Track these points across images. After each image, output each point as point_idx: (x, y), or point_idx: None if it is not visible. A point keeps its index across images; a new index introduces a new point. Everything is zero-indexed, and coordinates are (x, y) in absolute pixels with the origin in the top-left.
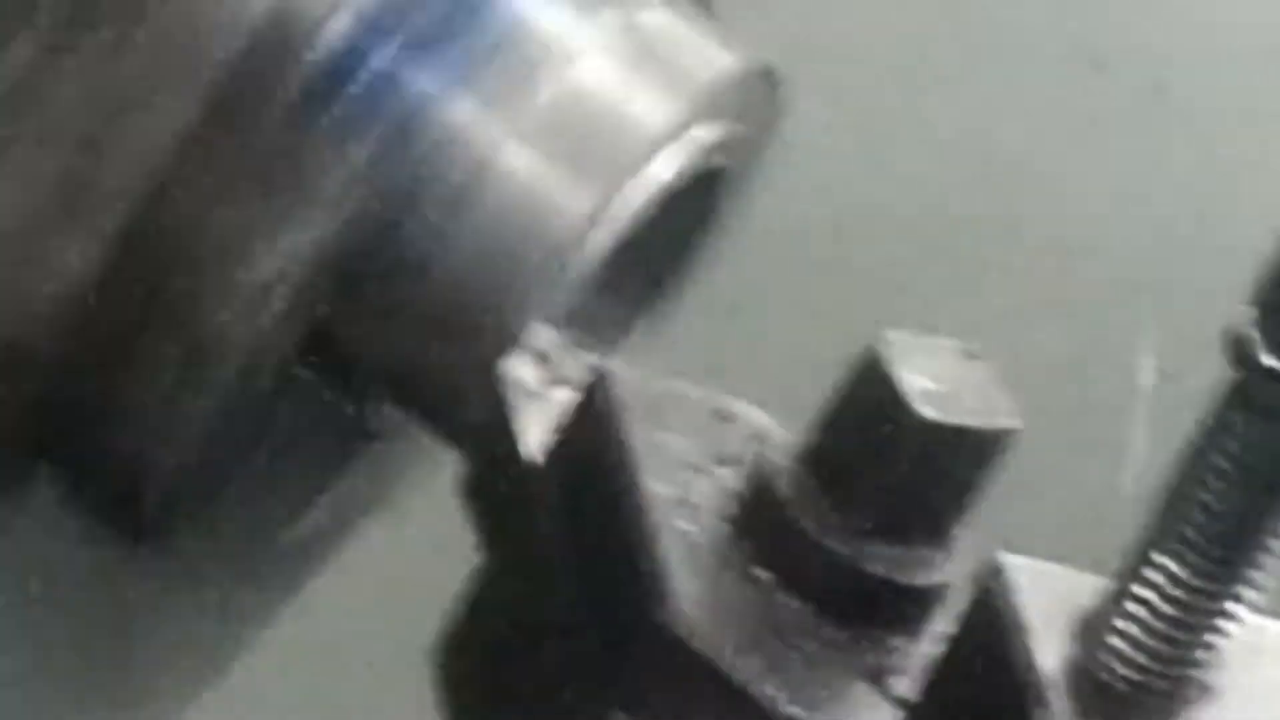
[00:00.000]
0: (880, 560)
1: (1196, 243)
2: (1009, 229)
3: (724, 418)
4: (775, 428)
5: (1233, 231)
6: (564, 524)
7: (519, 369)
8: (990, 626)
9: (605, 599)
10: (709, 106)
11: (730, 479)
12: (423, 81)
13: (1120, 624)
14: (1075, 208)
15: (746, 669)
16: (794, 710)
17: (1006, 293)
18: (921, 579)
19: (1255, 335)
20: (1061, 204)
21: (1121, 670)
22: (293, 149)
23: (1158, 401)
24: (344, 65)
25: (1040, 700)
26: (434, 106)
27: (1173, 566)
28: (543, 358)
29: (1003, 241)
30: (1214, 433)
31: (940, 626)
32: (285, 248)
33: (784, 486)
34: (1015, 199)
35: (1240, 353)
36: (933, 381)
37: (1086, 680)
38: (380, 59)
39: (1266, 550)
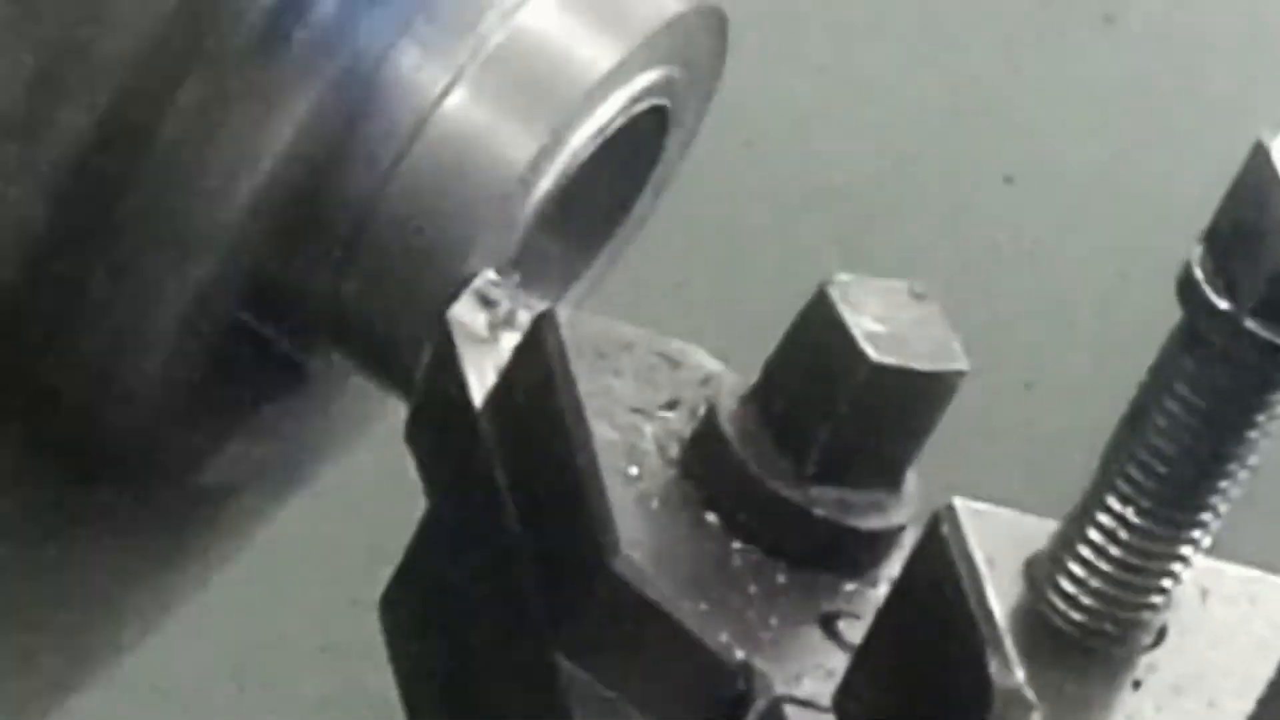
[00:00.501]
0: (829, 504)
1: (1148, 176)
2: (960, 166)
3: (671, 361)
4: (722, 370)
5: (1183, 165)
6: (510, 469)
7: (465, 313)
8: (940, 568)
9: (551, 544)
10: (653, 49)
11: (677, 423)
12: (368, 26)
13: (1070, 567)
14: (1026, 142)
15: (694, 615)
16: (744, 656)
17: (960, 231)
18: (871, 523)
19: (1204, 275)
20: (1014, 138)
21: (1071, 613)
22: (237, 94)
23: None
24: (290, 10)
25: (989, 643)
26: (379, 51)
27: (1123, 510)
28: (488, 302)
29: (955, 179)
30: (1163, 374)
31: (893, 571)
32: (229, 193)
33: (732, 430)
34: (966, 134)
35: (1189, 293)
36: (881, 323)
37: (1036, 623)
38: (326, 4)
39: (1216, 493)
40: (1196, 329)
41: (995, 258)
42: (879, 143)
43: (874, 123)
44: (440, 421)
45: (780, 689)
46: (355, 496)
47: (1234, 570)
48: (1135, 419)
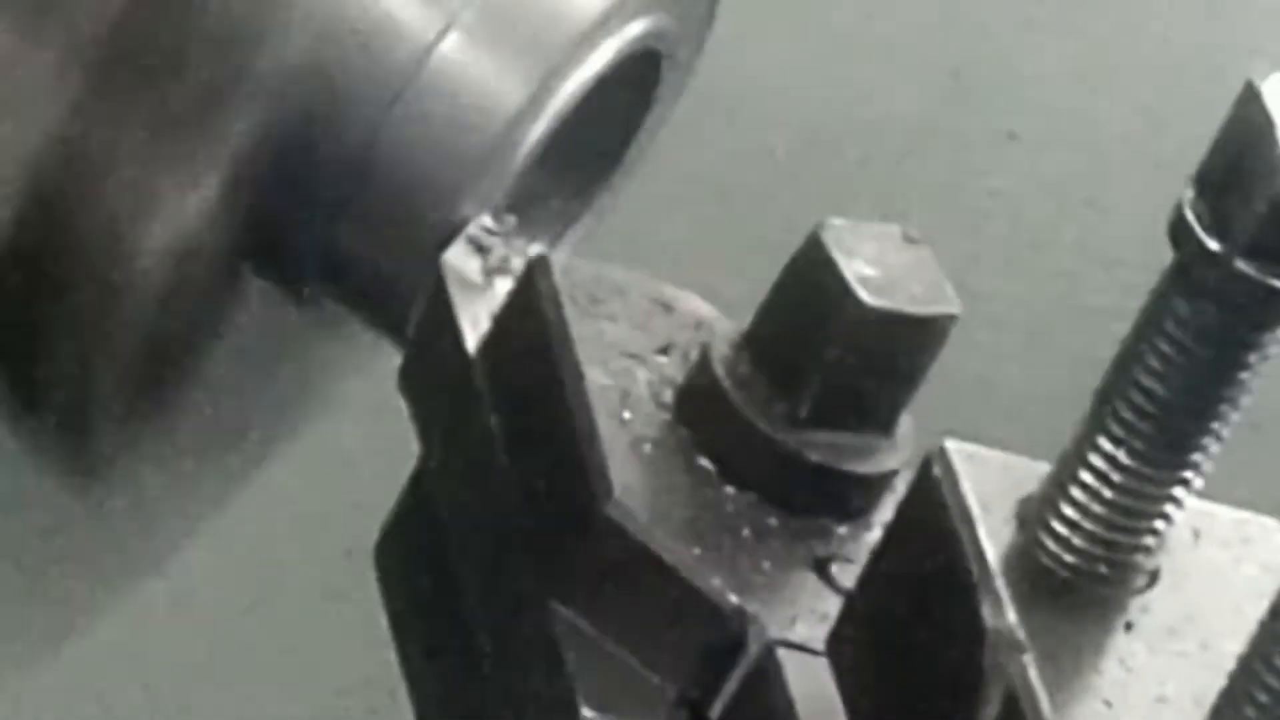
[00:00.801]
0: (822, 447)
1: (1140, 128)
2: (954, 123)
3: (664, 306)
4: (716, 316)
5: (1175, 118)
6: (503, 415)
7: (459, 259)
8: (932, 511)
9: (544, 490)
10: None
11: (671, 368)
12: None
13: (1062, 509)
14: (1021, 99)
15: (688, 560)
16: (737, 600)
17: (956, 179)
18: (865, 466)
19: (1195, 217)
20: (1008, 96)
21: (1063, 555)
22: (229, 39)
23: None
24: None
25: (981, 585)
26: None
27: (1114, 451)
28: (482, 247)
29: (949, 134)
30: (1155, 316)
31: (886, 516)
32: (222, 140)
33: (725, 374)
34: (959, 93)
35: (1181, 234)
36: (874, 267)
37: (1028, 565)
38: None
39: (1207, 434)
40: (1188, 270)
41: (994, 211)
42: (875, 102)
43: (871, 82)
44: (434, 368)
45: (774, 633)
46: (350, 446)
47: (1226, 512)
48: (1126, 361)
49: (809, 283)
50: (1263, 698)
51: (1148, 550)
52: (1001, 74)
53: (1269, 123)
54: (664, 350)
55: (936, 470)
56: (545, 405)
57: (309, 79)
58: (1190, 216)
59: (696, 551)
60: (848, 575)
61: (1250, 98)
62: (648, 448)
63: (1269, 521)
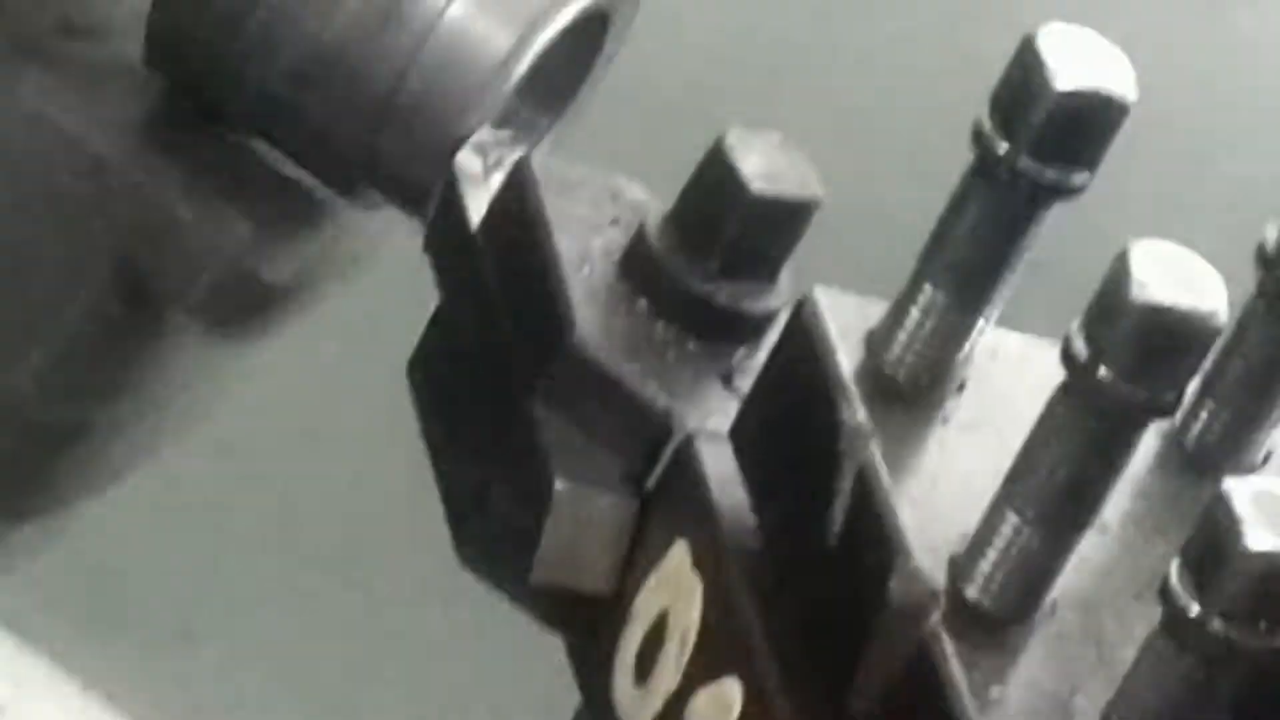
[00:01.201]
0: (726, 293)
1: None
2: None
3: (614, 192)
4: (651, 199)
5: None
6: (498, 272)
7: (466, 160)
8: (804, 337)
9: (526, 323)
10: None
11: (618, 236)
12: None
13: (898, 335)
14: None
15: (631, 374)
16: (666, 401)
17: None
18: (757, 306)
19: (989, 125)
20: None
21: (899, 370)
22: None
23: None
24: None
25: (837, 391)
26: None
27: (933, 294)
28: (483, 150)
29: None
30: (960, 201)
31: (772, 341)
32: (292, 56)
33: (656, 241)
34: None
35: (978, 138)
36: (762, 164)
37: (873, 378)
38: None
39: (1000, 283)
40: (984, 166)
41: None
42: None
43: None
44: (448, 238)
45: (691, 426)
46: (389, 294)
47: (1015, 336)
48: (941, 231)
49: (714, 176)
50: (1041, 471)
51: (958, 364)
52: None
53: (1039, 65)
54: (614, 223)
55: (807, 309)
56: (527, 263)
57: (355, 28)
58: (986, 125)
59: (636, 367)
60: (745, 384)
61: (1025, 46)
62: (601, 294)
63: (1045, 342)
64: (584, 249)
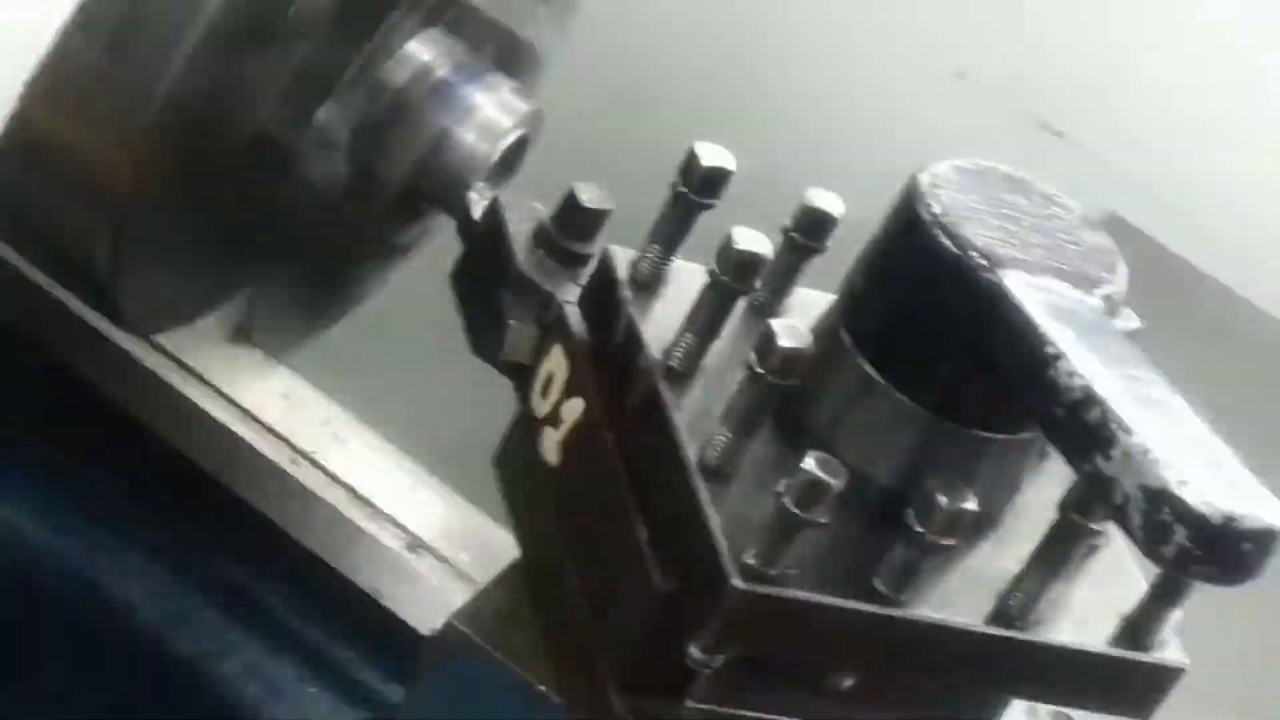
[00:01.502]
0: (574, 245)
1: None
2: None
3: (531, 209)
4: (545, 209)
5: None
6: (494, 253)
7: (472, 197)
8: (605, 263)
9: (495, 261)
10: None
11: (534, 225)
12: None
13: (549, 226)
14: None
15: (538, 275)
16: (551, 286)
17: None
18: (587, 250)
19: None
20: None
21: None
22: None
23: None
24: None
25: (620, 287)
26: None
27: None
28: (480, 193)
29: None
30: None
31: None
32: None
33: (551, 227)
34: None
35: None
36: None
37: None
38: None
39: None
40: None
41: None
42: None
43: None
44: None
45: (561, 298)
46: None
47: (680, 263)
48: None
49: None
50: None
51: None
52: None
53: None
54: (532, 219)
55: (609, 252)
56: (498, 241)
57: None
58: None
59: (540, 273)
60: (583, 282)
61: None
62: (525, 249)
63: (695, 266)
64: (522, 231)
